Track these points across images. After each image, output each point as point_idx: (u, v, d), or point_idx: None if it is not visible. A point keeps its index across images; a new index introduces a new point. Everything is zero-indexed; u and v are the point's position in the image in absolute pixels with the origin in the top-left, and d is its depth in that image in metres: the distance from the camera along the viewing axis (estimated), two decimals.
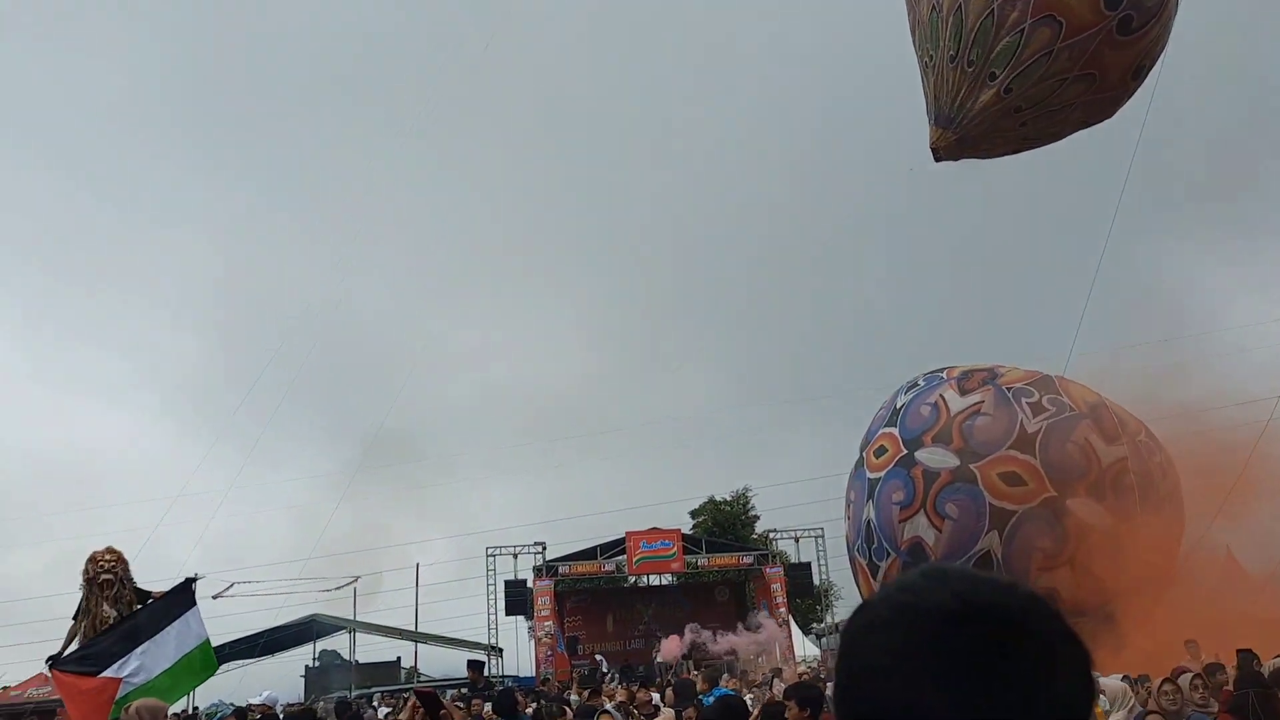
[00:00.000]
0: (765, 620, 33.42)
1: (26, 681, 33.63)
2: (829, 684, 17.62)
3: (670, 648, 32.47)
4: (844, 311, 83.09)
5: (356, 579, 42.72)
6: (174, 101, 79.79)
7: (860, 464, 7.96)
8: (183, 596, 10.65)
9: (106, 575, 13.45)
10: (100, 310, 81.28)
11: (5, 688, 34.73)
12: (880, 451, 7.53)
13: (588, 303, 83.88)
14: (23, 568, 68.01)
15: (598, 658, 35.96)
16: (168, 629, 10.12)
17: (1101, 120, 10.56)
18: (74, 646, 11.39)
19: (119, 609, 14.32)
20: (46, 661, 10.81)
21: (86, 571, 13.57)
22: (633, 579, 42.89)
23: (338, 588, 42.38)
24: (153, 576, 15.54)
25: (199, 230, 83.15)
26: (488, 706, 12.24)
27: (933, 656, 0.89)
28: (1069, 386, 8.38)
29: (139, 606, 12.03)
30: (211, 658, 10.44)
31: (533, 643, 39.81)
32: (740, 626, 32.58)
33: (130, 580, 14.87)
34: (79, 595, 13.08)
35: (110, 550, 15.29)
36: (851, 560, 8.15)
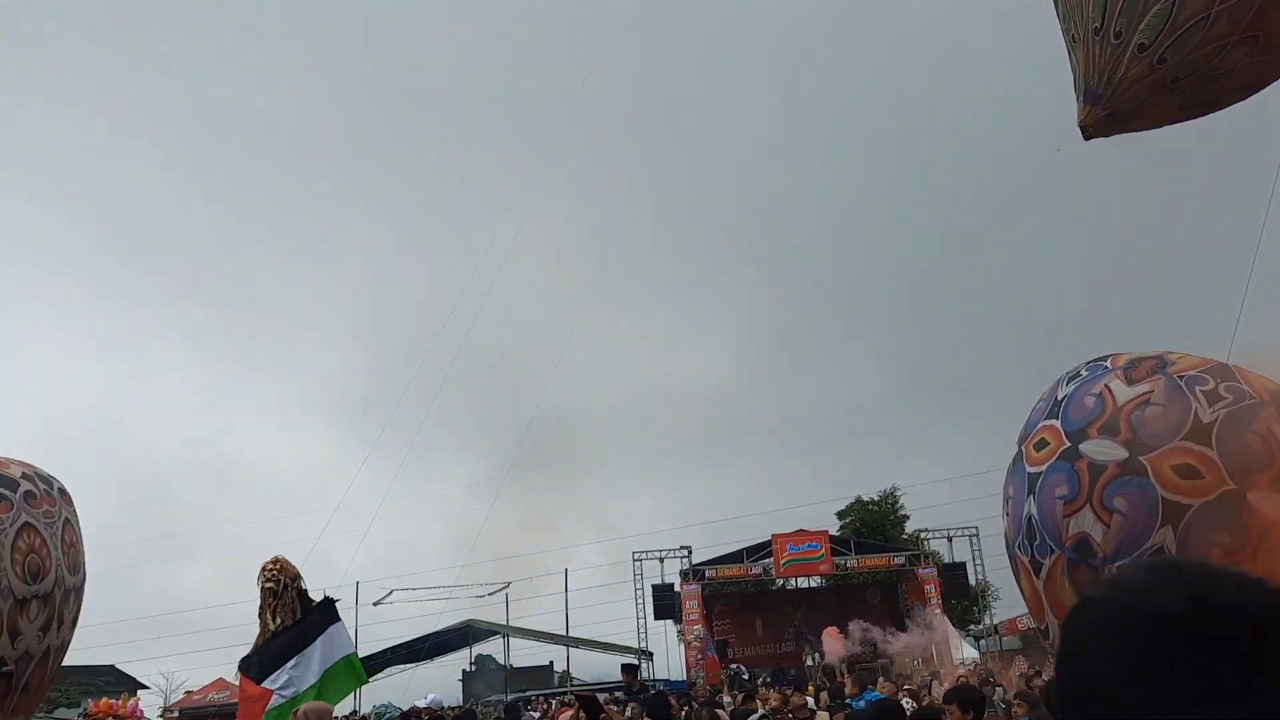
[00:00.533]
0: (937, 619, 32.14)
1: (207, 686, 35.60)
2: (991, 686, 17.02)
3: (833, 646, 31.47)
4: (995, 301, 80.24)
5: (508, 584, 43.77)
6: (324, 123, 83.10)
7: (1019, 458, 7.63)
8: (326, 613, 11.03)
9: (269, 584, 14.14)
10: (263, 334, 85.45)
11: (188, 692, 36.89)
12: (1041, 445, 7.19)
13: (734, 303, 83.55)
14: (203, 579, 72.22)
15: (733, 667, 35.57)
16: (313, 644, 10.52)
17: (1265, 85, 9.89)
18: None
19: (281, 618, 15.01)
20: (240, 663, 11.40)
21: (258, 581, 14.31)
22: (780, 582, 42.51)
23: (490, 593, 43.54)
24: (321, 584, 16.33)
25: (350, 249, 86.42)
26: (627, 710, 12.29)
27: (1170, 667, 0.79)
28: (1247, 374, 7.85)
29: (300, 617, 12.57)
30: (359, 670, 10.77)
31: (682, 646, 39.91)
32: (909, 625, 31.75)
33: (294, 589, 15.54)
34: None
35: (275, 560, 16.01)
36: (1012, 558, 7.81)
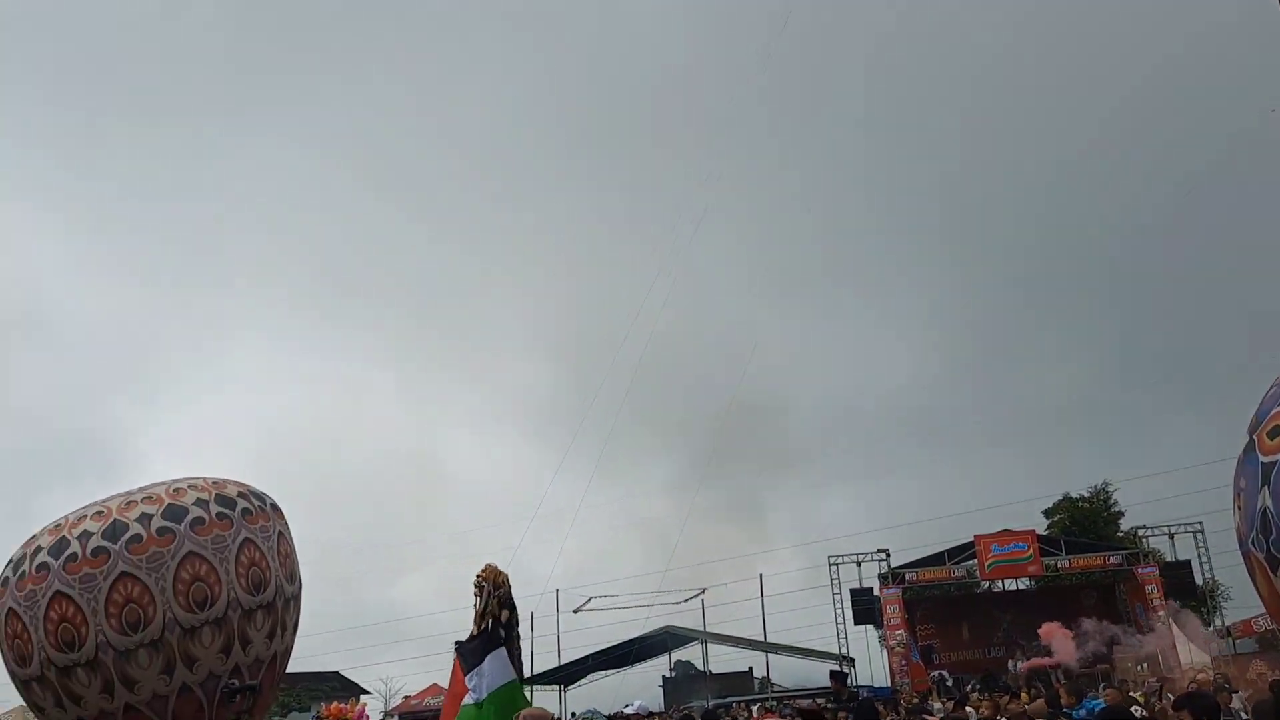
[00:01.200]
0: (1189, 619, 29.57)
1: (424, 691, 37.32)
2: (1227, 693, 15.72)
3: (1064, 647, 29.45)
4: (1217, 281, 74.40)
5: (703, 590, 43.87)
6: (504, 135, 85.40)
7: (1250, 448, 6.99)
8: (493, 638, 11.22)
9: (478, 590, 14.81)
10: (461, 346, 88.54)
11: (406, 696, 38.76)
12: (1275, 433, 6.58)
13: (936, 295, 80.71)
14: (417, 589, 75.85)
15: (938, 673, 34.26)
16: (488, 659, 10.74)
17: None
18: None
19: (484, 624, 15.58)
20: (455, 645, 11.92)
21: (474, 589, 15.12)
22: (985, 584, 40.84)
23: (686, 599, 43.74)
24: (523, 593, 16.78)
25: (540, 261, 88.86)
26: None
27: None
28: None
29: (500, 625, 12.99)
30: (519, 697, 10.77)
31: (884, 652, 38.95)
32: (1144, 625, 29.68)
33: (498, 596, 16.05)
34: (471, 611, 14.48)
35: (486, 567, 16.65)
36: (1245, 556, 7.17)
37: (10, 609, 7.51)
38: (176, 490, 8.03)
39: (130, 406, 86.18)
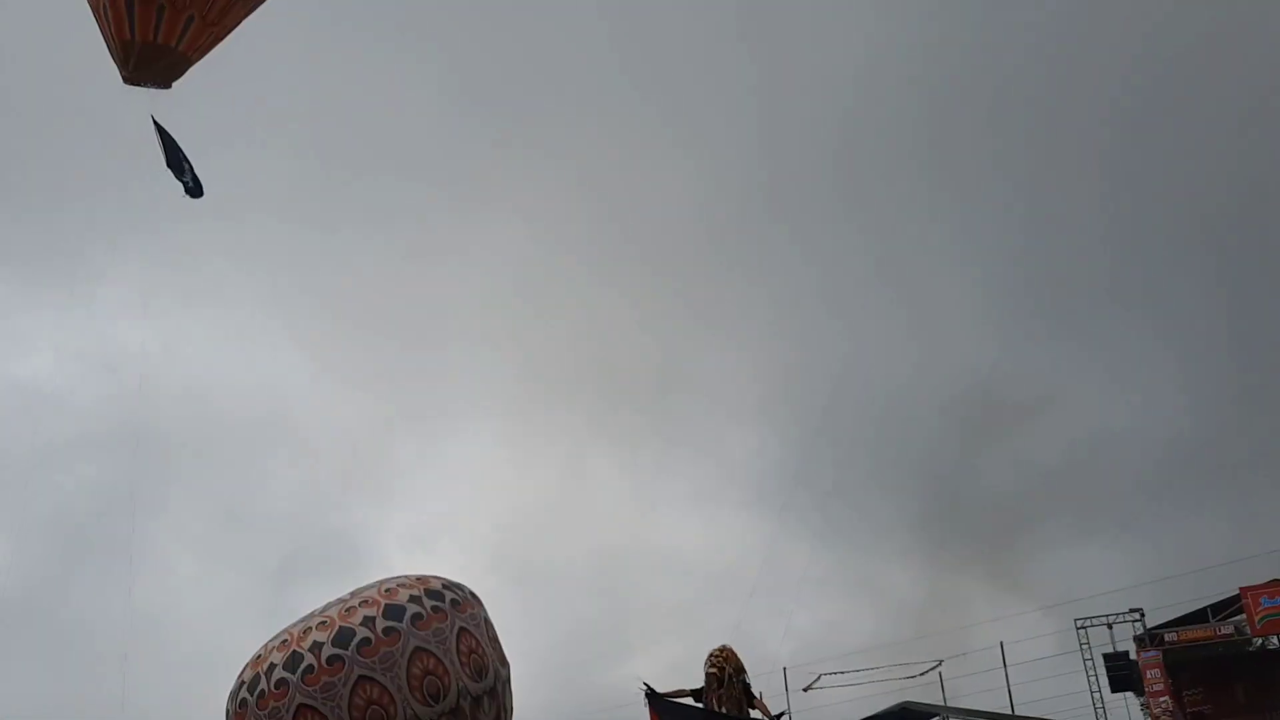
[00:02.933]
0: None
1: None
2: None
3: None
4: None
5: (940, 662, 41.75)
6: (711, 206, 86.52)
7: None
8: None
9: (713, 670, 14.84)
10: (682, 419, 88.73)
11: None
12: None
13: (1189, 324, 74.63)
14: (645, 670, 75.93)
15: None
16: None
17: None
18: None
19: (726, 708, 15.47)
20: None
21: (704, 667, 15.17)
22: (1259, 641, 36.88)
23: (923, 673, 41.70)
24: (752, 670, 16.46)
25: (753, 320, 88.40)
26: None
27: None
28: None
29: (749, 707, 12.91)
30: None
31: None
32: None
33: (739, 681, 15.89)
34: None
35: (721, 649, 16.54)
36: None
37: None
38: (388, 591, 8.28)
39: (369, 506, 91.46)
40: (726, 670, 16.20)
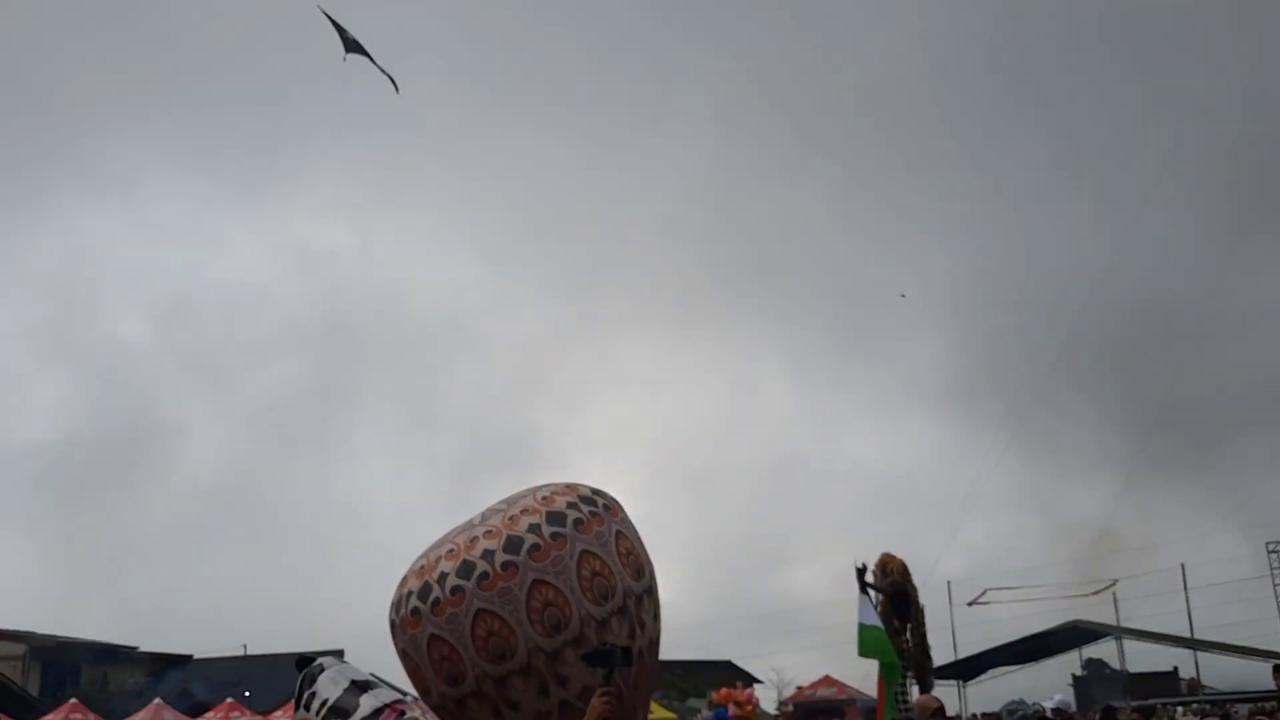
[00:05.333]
0: None
1: (816, 682, 37.53)
2: None
3: None
4: None
5: (1114, 582, 40.42)
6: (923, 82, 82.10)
7: None
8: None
9: (898, 580, 15.86)
10: (862, 325, 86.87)
11: (799, 687, 39.20)
12: None
13: None
14: (806, 581, 76.66)
15: None
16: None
17: None
18: None
19: (894, 614, 16.09)
20: None
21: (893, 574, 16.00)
22: None
23: (1096, 592, 40.54)
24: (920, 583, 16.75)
25: (937, 233, 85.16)
26: None
27: None
28: None
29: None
30: (869, 638, 12.48)
31: None
32: None
33: (888, 583, 16.21)
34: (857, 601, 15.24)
35: (881, 556, 17.01)
36: None
37: (403, 650, 8.46)
38: (544, 498, 8.62)
39: (546, 409, 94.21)
40: (877, 575, 16.65)
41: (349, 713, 5.07)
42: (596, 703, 3.87)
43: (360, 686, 5.33)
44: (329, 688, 5.26)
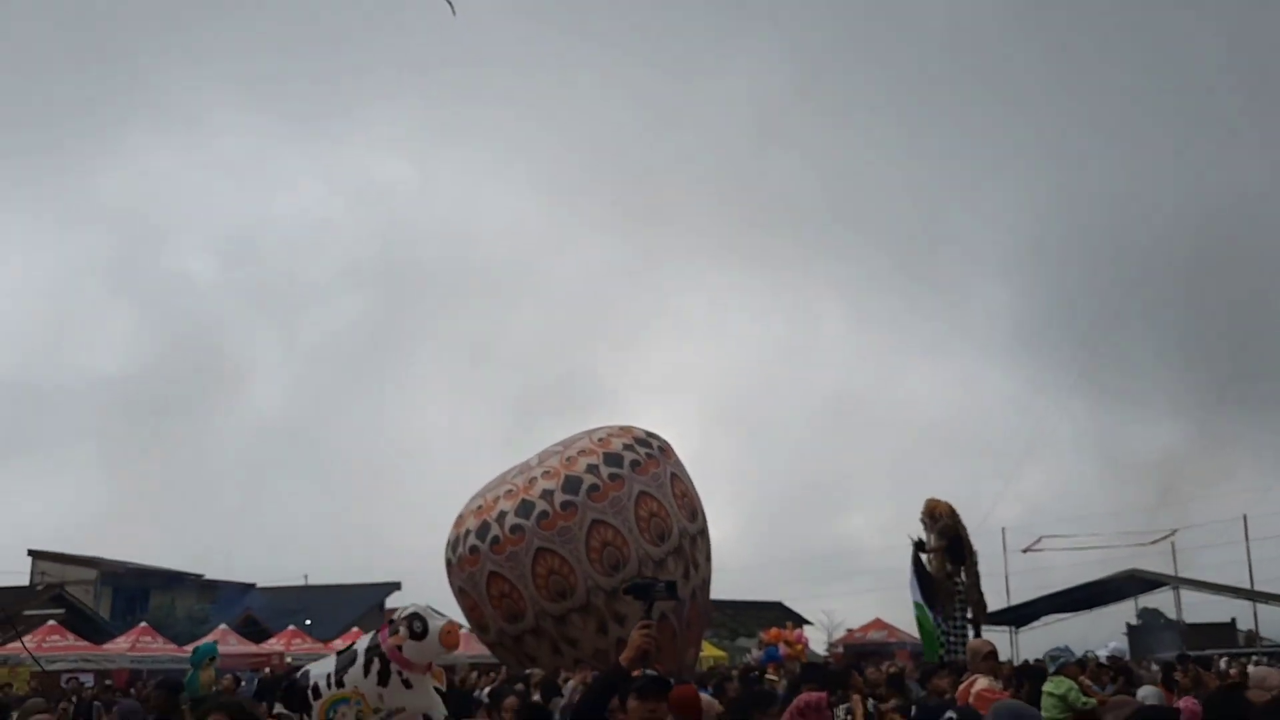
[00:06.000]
0: None
1: (867, 625, 37.61)
2: None
3: None
4: None
5: (1174, 531, 39.84)
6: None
7: None
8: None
9: (949, 523, 15.79)
10: (927, 265, 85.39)
11: (849, 630, 39.31)
12: None
13: None
14: (859, 525, 76.62)
15: None
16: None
17: None
18: None
19: (946, 559, 16.01)
20: None
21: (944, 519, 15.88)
22: None
23: (1154, 541, 40.01)
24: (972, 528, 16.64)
25: (1011, 171, 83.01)
26: None
27: None
28: None
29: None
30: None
31: None
32: None
33: (936, 529, 16.08)
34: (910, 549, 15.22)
35: (927, 502, 16.88)
36: None
37: (460, 587, 8.60)
38: (600, 440, 8.63)
39: (605, 350, 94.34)
40: (926, 521, 16.53)
41: (351, 659, 5.12)
42: (636, 635, 3.85)
43: (346, 652, 5.39)
44: (320, 670, 5.31)
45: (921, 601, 11.84)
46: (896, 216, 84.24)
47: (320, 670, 5.34)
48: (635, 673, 4.06)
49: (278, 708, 5.93)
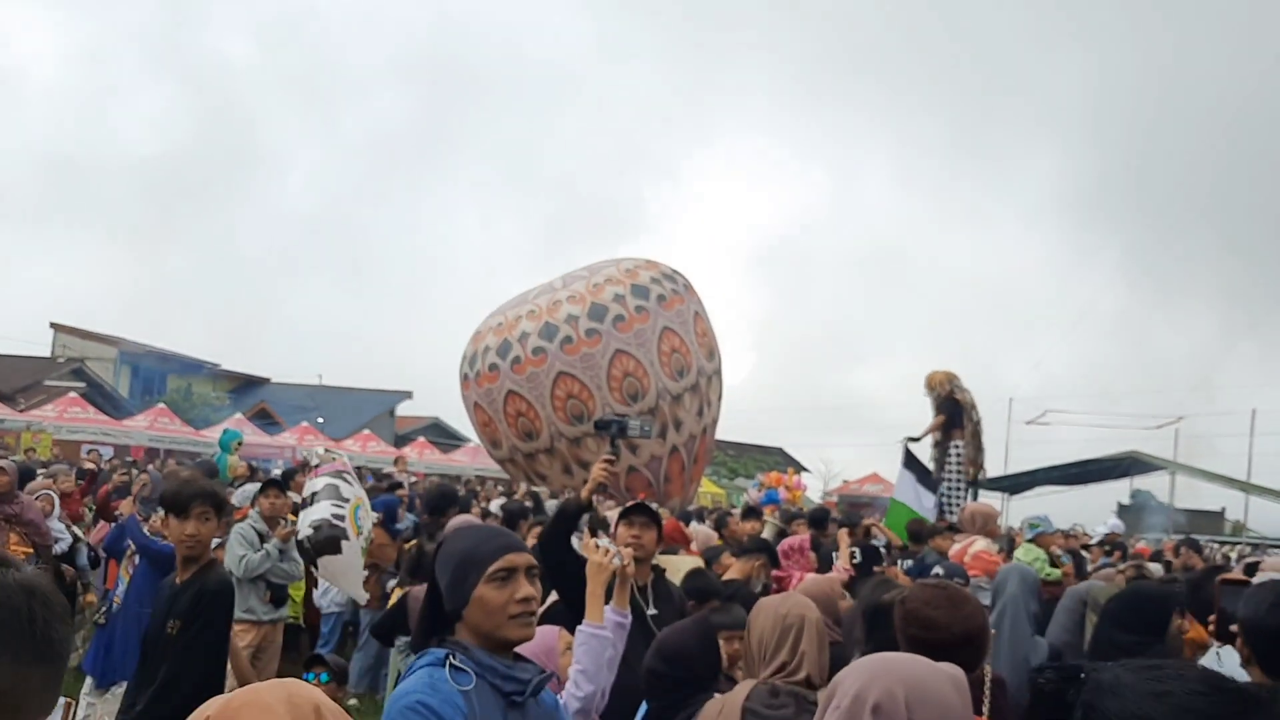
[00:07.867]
0: None
1: (864, 478, 38.32)
2: None
3: None
4: None
5: (1180, 419, 40.00)
6: None
7: None
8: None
9: (961, 397, 15.80)
10: (979, 126, 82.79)
11: (846, 481, 40.07)
12: None
13: None
14: (872, 379, 77.17)
15: None
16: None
17: None
18: None
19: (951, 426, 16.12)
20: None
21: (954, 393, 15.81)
22: None
23: (1159, 426, 40.22)
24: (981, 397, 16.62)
25: (1078, 34, 79.71)
26: None
27: None
28: None
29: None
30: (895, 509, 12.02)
31: None
32: None
33: (937, 394, 16.17)
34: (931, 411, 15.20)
35: (939, 372, 16.81)
36: None
37: (475, 402, 8.58)
38: (628, 270, 8.48)
39: (643, 179, 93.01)
40: (941, 391, 16.53)
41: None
42: (596, 468, 3.82)
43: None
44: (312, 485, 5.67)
45: (908, 501, 11.35)
46: (952, 71, 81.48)
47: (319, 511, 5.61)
48: (593, 504, 4.10)
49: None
